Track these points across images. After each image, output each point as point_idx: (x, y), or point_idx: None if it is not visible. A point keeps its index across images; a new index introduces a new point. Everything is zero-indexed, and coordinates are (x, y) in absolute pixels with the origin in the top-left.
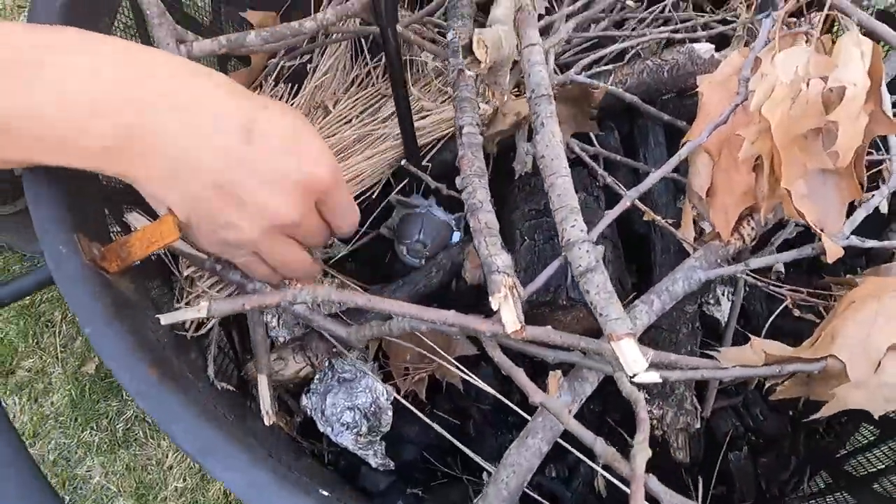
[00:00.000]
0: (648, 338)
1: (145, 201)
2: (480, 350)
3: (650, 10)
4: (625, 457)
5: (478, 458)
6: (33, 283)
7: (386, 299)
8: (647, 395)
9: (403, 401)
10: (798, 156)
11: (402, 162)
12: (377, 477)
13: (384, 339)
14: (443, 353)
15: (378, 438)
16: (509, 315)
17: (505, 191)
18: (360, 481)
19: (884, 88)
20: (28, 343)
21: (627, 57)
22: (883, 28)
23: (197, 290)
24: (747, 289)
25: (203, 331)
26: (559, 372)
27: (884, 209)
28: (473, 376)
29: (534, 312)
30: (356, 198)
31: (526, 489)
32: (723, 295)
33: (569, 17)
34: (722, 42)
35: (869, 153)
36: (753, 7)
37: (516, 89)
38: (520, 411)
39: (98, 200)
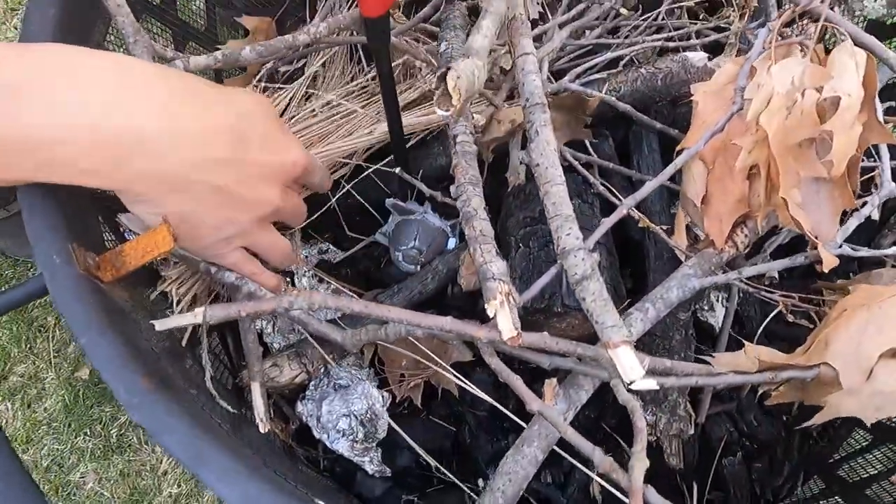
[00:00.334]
0: (642, 344)
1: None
2: (476, 356)
3: (644, 17)
4: (622, 466)
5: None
6: (23, 294)
7: (382, 305)
8: (640, 402)
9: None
10: (792, 165)
11: (397, 170)
12: (373, 483)
13: (380, 346)
14: (438, 359)
15: (374, 445)
16: (505, 322)
17: (499, 198)
18: (355, 488)
19: (876, 98)
20: (21, 348)
21: (621, 64)
22: (871, 41)
23: (188, 296)
24: (741, 294)
25: (198, 337)
26: (554, 380)
27: (875, 216)
28: (469, 383)
29: (529, 319)
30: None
31: (521, 495)
32: (717, 301)
33: (562, 25)
34: (715, 50)
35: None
36: (747, 16)
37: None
38: (516, 419)
39: (92, 208)
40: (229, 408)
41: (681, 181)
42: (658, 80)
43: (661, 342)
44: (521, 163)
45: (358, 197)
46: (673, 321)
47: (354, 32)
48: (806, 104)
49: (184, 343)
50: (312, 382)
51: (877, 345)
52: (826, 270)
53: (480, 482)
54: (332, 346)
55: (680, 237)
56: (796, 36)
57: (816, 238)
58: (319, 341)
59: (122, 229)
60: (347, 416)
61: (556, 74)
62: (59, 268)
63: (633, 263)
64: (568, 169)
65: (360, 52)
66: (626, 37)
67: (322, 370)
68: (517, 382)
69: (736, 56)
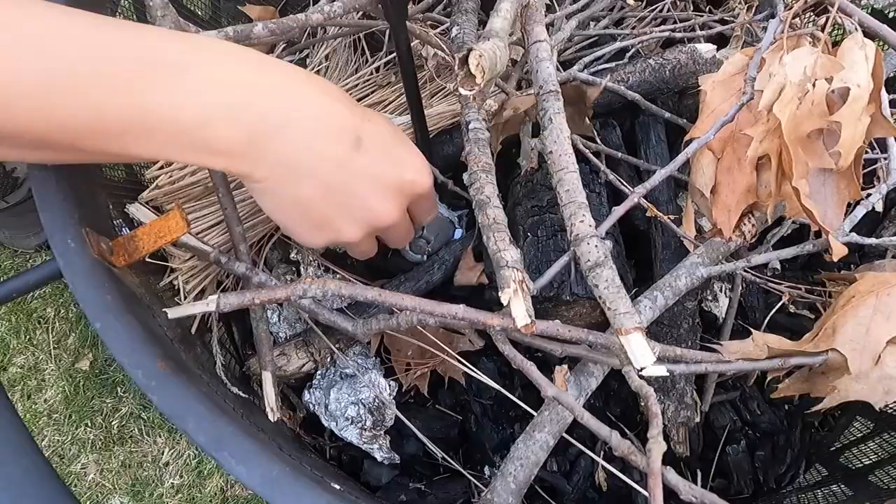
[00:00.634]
0: (650, 333)
1: (145, 194)
2: (489, 342)
3: (650, 8)
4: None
5: None
6: (36, 278)
7: (396, 294)
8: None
9: (398, 413)
10: (802, 155)
11: None
12: (380, 471)
13: (386, 335)
14: (446, 348)
15: (382, 432)
16: (519, 310)
17: (506, 187)
18: (362, 476)
19: (883, 90)
20: (20, 339)
21: (628, 55)
22: (887, 30)
23: (198, 286)
24: (744, 285)
25: (207, 325)
26: (565, 367)
27: (878, 207)
28: (478, 371)
29: (537, 308)
30: None
31: None
32: (720, 291)
33: (569, 15)
34: (718, 42)
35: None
36: (754, 8)
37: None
38: (524, 406)
39: (102, 194)
40: (241, 393)
41: (688, 171)
42: (667, 71)
43: (669, 330)
44: (532, 149)
45: None
46: (681, 310)
47: (365, 18)
48: (816, 95)
49: (193, 331)
50: (319, 371)
51: (885, 331)
52: (836, 259)
53: (486, 470)
54: (339, 336)
55: (688, 227)
56: (804, 27)
57: (827, 228)
58: (326, 331)
59: (131, 217)
60: (356, 404)
61: (563, 65)
62: (74, 252)
63: (637, 253)
64: (576, 159)
65: (364, 43)
66: (633, 28)
67: (329, 359)
68: (531, 369)
69: (747, 48)
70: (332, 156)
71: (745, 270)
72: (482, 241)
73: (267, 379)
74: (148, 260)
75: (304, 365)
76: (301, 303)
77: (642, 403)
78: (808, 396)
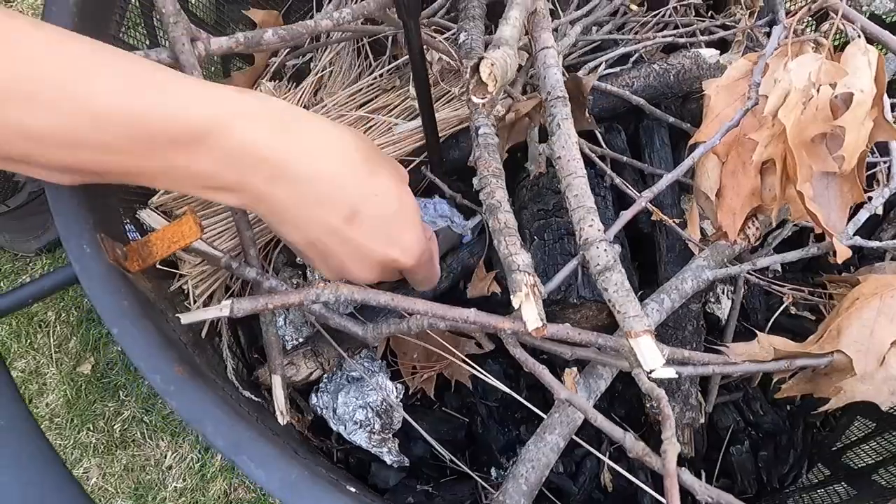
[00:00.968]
0: (656, 335)
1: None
2: (499, 345)
3: (653, 13)
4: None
5: None
6: (51, 284)
7: (408, 298)
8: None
9: (406, 416)
10: (806, 159)
11: (423, 168)
12: (387, 474)
13: (392, 338)
14: (454, 350)
15: (391, 435)
16: (531, 313)
17: (512, 191)
18: (370, 479)
19: (885, 95)
20: (21, 343)
21: (631, 61)
22: (888, 36)
23: (207, 291)
24: (746, 287)
25: (217, 330)
26: (574, 369)
27: (878, 211)
28: (486, 373)
29: (544, 311)
30: None
31: None
32: (723, 293)
33: (573, 21)
34: (718, 47)
35: None
36: (756, 14)
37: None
38: (533, 408)
39: (114, 200)
40: (253, 397)
41: (692, 175)
42: (671, 76)
43: (674, 332)
44: (539, 154)
45: None
46: (685, 312)
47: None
48: (820, 100)
49: (203, 335)
50: (326, 375)
51: (889, 333)
52: (840, 262)
53: (493, 472)
54: (347, 341)
55: (693, 230)
56: (806, 33)
57: (831, 231)
58: (334, 334)
59: (142, 222)
60: (363, 407)
61: (567, 69)
62: (89, 257)
63: (640, 255)
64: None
65: (368, 48)
66: (636, 33)
67: (336, 363)
68: (544, 372)
69: (751, 54)
70: (323, 223)
71: (749, 273)
72: (491, 248)
73: (277, 383)
74: (158, 266)
75: (312, 373)
76: (312, 307)
77: (647, 405)
78: (811, 397)
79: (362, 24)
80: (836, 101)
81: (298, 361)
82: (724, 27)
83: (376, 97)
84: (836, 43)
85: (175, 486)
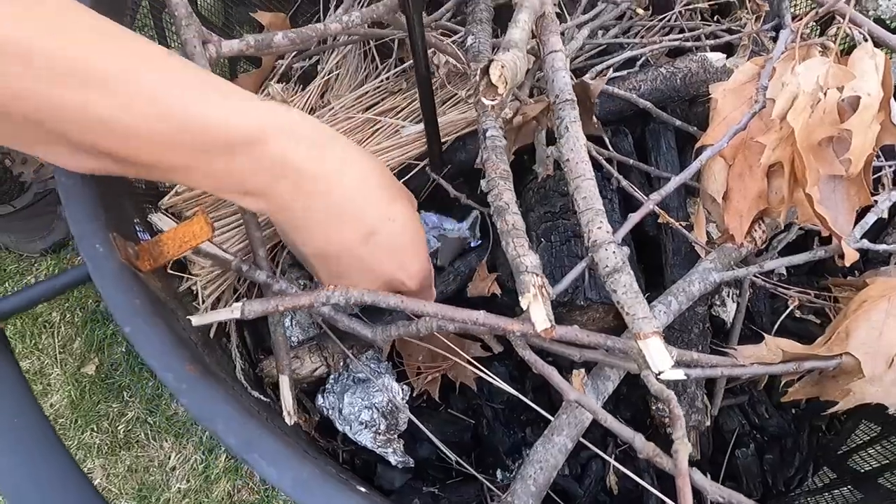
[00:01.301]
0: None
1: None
2: (508, 347)
3: (659, 17)
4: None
5: None
6: (64, 282)
7: (417, 300)
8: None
9: (412, 417)
10: (813, 162)
11: (426, 168)
12: (393, 475)
13: (397, 340)
14: (460, 351)
15: (396, 436)
16: (539, 314)
17: (518, 193)
18: (375, 480)
19: (892, 99)
20: (26, 343)
21: (637, 64)
22: (895, 40)
23: (217, 290)
24: (751, 290)
25: (226, 330)
26: (582, 371)
27: (884, 214)
28: (492, 375)
29: (552, 313)
30: None
31: None
32: (728, 296)
33: (580, 25)
34: (725, 51)
35: None
36: (762, 18)
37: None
38: (539, 410)
39: (126, 199)
40: (262, 397)
41: (699, 178)
42: (678, 79)
43: (680, 335)
44: (547, 157)
45: None
46: (691, 315)
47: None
48: (828, 103)
49: (211, 335)
50: (332, 376)
51: None
52: (848, 264)
53: (498, 474)
54: (353, 341)
55: (700, 233)
56: (812, 37)
57: (839, 234)
58: (340, 335)
59: (152, 225)
60: (369, 408)
61: (574, 73)
62: (102, 257)
63: (646, 258)
64: None
65: (374, 51)
66: (642, 37)
67: (341, 364)
68: (553, 374)
69: (757, 58)
70: (341, 238)
71: (756, 276)
72: (495, 249)
73: (284, 383)
74: (168, 270)
75: (316, 369)
76: (321, 309)
77: (653, 408)
78: (816, 400)
79: (369, 27)
80: (843, 104)
81: (303, 355)
82: (730, 31)
83: (383, 100)
84: (842, 47)
85: (179, 488)
